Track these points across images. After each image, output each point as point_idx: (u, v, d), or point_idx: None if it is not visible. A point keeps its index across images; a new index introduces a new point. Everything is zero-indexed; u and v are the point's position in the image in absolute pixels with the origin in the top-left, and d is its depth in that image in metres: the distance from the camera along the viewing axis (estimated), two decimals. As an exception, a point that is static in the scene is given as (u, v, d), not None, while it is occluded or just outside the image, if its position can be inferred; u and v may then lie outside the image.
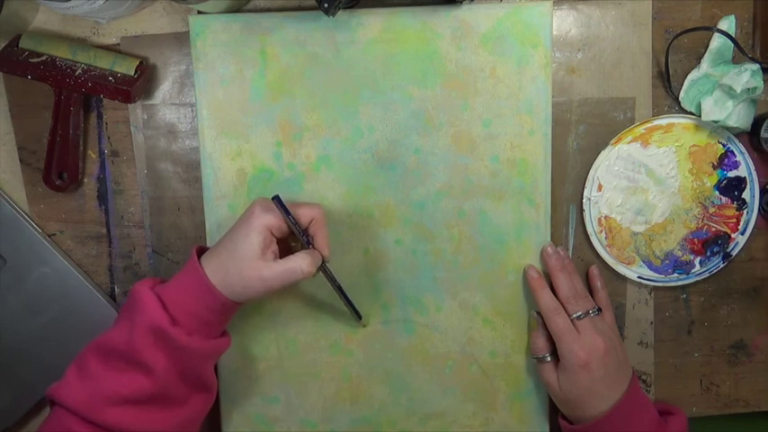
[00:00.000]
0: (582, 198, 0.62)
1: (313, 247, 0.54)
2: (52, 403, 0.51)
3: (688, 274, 0.63)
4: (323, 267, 0.55)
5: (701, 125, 0.61)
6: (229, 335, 0.56)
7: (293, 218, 0.53)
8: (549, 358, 0.59)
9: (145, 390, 0.50)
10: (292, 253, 0.53)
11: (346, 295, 0.58)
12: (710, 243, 0.63)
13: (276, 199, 0.52)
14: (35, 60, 0.58)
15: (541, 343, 0.59)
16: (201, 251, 0.54)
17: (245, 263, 0.51)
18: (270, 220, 0.52)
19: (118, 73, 0.59)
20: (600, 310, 0.59)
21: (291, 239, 0.55)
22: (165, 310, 0.50)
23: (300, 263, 0.51)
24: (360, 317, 0.60)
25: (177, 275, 0.53)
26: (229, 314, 0.54)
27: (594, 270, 0.62)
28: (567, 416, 0.59)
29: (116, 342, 0.51)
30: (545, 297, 0.58)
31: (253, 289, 0.51)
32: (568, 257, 0.62)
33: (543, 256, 0.60)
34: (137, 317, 0.50)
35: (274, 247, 0.53)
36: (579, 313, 0.57)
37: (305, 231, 0.54)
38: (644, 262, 0.63)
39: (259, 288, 0.51)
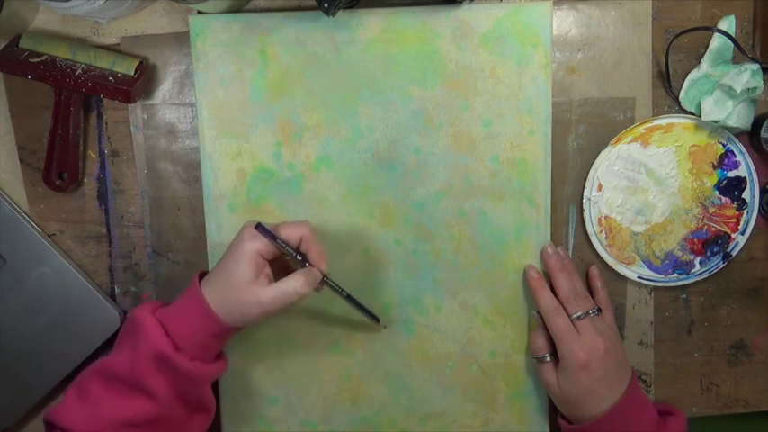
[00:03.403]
0: (582, 198, 0.62)
1: (309, 265, 0.53)
2: (50, 426, 0.51)
3: (688, 274, 0.63)
4: (326, 281, 0.54)
5: (701, 125, 0.61)
6: (226, 357, 0.56)
7: (282, 241, 0.52)
8: (548, 358, 0.59)
9: (146, 414, 0.50)
10: (291, 271, 0.53)
11: (358, 302, 0.58)
12: (710, 243, 0.63)
13: (259, 227, 0.52)
14: (35, 60, 0.58)
15: (541, 343, 0.59)
16: (203, 276, 0.54)
17: (240, 289, 0.51)
18: (258, 245, 0.51)
19: (118, 73, 0.59)
20: (600, 310, 0.59)
21: (287, 257, 0.54)
22: (168, 337, 0.51)
23: (294, 284, 0.51)
24: (377, 320, 0.60)
25: (178, 301, 0.53)
26: (227, 339, 0.54)
27: (594, 270, 0.62)
28: (566, 416, 0.59)
29: (118, 368, 0.51)
30: (545, 297, 0.58)
31: (251, 314, 0.51)
32: (568, 257, 0.62)
33: (543, 256, 0.60)
34: (139, 343, 0.50)
35: (267, 270, 0.52)
36: (579, 313, 0.57)
37: (297, 250, 0.53)
38: (644, 262, 0.63)
39: (257, 312, 0.51)
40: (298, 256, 0.53)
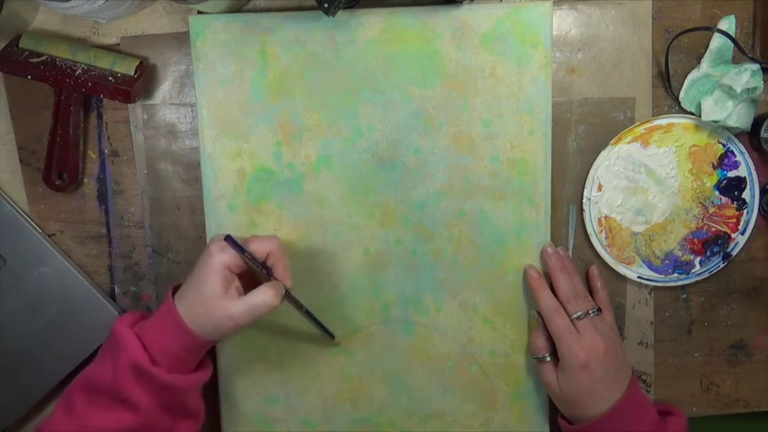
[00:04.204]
0: (582, 198, 0.62)
1: (274, 279, 0.54)
2: None
3: (688, 274, 0.63)
4: (287, 296, 0.55)
5: (701, 125, 0.61)
6: (209, 364, 0.57)
7: (249, 254, 0.53)
8: (548, 358, 0.59)
9: (131, 426, 0.51)
10: (259, 284, 0.53)
11: (315, 318, 0.59)
12: (710, 243, 0.63)
13: (228, 239, 0.52)
14: (35, 60, 0.58)
15: (541, 343, 0.59)
16: (177, 290, 0.54)
17: (210, 303, 0.51)
18: (226, 259, 0.52)
19: (118, 73, 0.59)
20: (600, 310, 0.59)
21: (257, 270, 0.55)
22: (145, 350, 0.51)
23: (264, 296, 0.52)
24: (332, 336, 0.60)
25: (155, 315, 0.54)
26: (202, 352, 0.54)
27: (594, 270, 0.62)
28: (566, 416, 0.59)
29: (100, 379, 0.51)
30: (545, 297, 0.58)
31: (223, 327, 0.52)
32: (568, 257, 0.62)
33: (543, 256, 0.60)
34: (119, 356, 0.51)
35: (236, 283, 0.53)
36: (579, 313, 0.57)
37: (263, 264, 0.54)
38: (644, 262, 0.63)
39: (228, 326, 0.52)
40: (263, 270, 0.54)
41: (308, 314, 0.58)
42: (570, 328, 0.56)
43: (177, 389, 0.52)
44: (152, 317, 0.54)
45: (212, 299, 0.51)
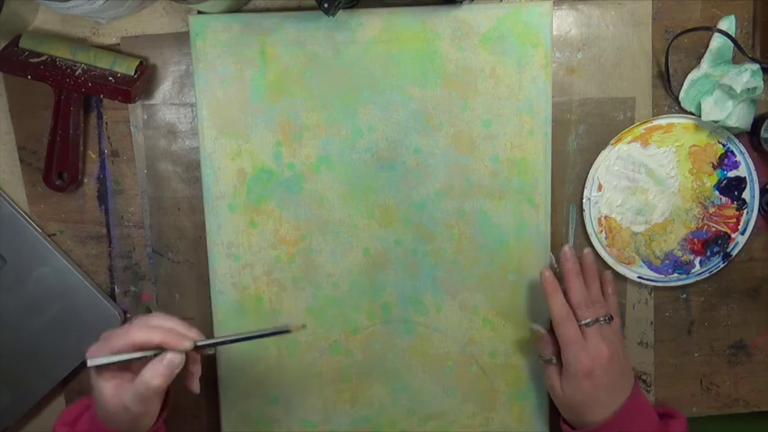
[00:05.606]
0: (582, 198, 0.62)
1: (164, 351, 0.49)
2: None
3: (688, 274, 0.63)
4: (205, 346, 0.51)
5: (701, 125, 0.61)
6: (162, 424, 0.54)
7: (122, 355, 0.49)
8: (555, 360, 0.58)
9: None
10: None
11: (253, 335, 0.53)
12: (710, 243, 0.63)
13: (91, 365, 0.49)
14: (35, 60, 0.58)
15: (549, 346, 0.58)
16: None
17: (108, 403, 0.50)
18: (101, 371, 0.50)
19: (118, 73, 0.59)
20: (611, 318, 0.57)
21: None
22: None
23: (142, 379, 0.49)
24: (287, 330, 0.52)
25: (86, 414, 0.53)
26: None
27: (608, 276, 0.61)
28: (569, 420, 0.59)
29: None
30: (557, 302, 0.57)
31: (124, 418, 0.50)
32: (593, 262, 0.60)
33: (560, 257, 0.59)
34: None
35: (128, 375, 0.50)
36: (588, 320, 0.56)
37: (143, 356, 0.50)
38: (644, 262, 0.63)
39: (127, 417, 0.50)
40: (141, 359, 0.49)
41: (242, 339, 0.53)
42: (578, 337, 0.55)
43: None
44: (85, 415, 0.53)
45: (107, 398, 0.50)
